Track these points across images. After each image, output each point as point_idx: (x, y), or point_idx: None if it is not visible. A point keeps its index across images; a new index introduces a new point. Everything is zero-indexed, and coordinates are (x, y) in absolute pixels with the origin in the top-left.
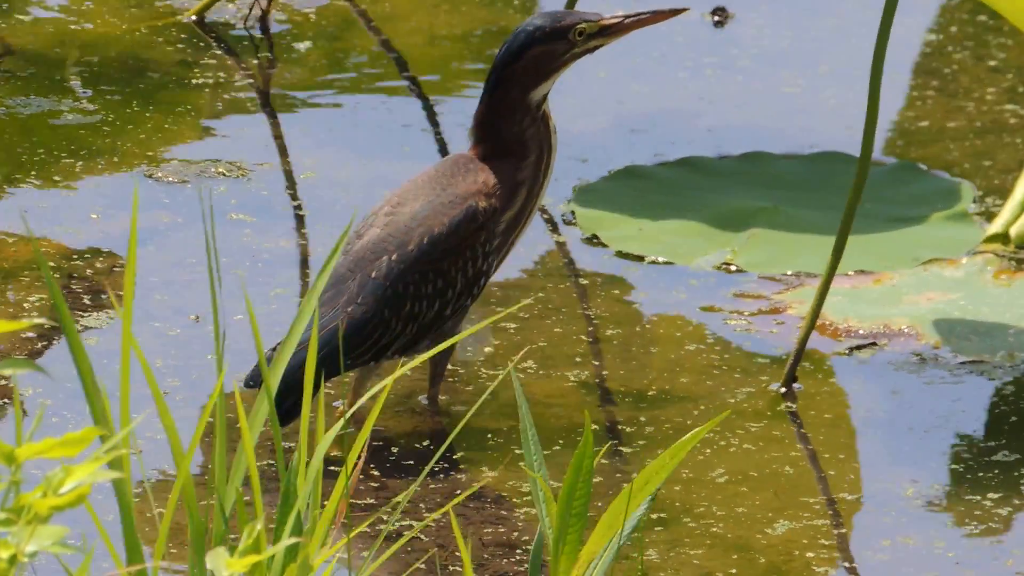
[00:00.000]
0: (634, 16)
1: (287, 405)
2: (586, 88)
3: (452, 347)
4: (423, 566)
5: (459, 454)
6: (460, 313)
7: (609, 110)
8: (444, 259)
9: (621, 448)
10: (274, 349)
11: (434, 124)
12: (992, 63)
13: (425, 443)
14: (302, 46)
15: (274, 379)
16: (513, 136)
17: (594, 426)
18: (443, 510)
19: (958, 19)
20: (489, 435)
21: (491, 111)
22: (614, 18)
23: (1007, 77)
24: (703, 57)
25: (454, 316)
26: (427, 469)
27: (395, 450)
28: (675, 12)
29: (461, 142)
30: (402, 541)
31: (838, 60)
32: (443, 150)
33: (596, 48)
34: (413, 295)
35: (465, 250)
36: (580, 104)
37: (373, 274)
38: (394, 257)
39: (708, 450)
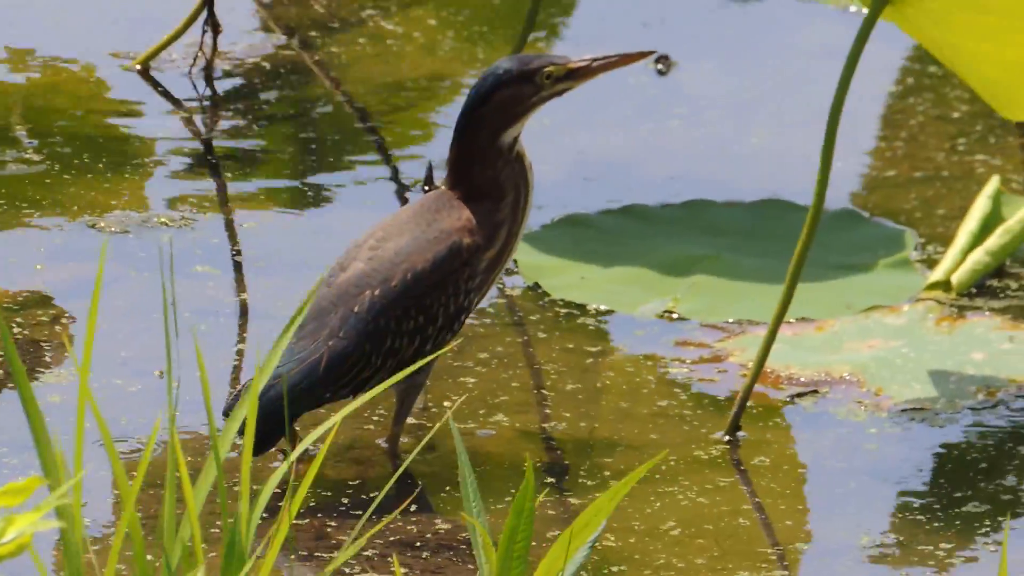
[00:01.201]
0: (602, 59)
1: (264, 434)
2: (540, 136)
3: (421, 386)
4: None
5: (414, 506)
6: (439, 348)
7: (564, 158)
8: (427, 295)
9: (568, 498)
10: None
11: (383, 175)
12: (930, 112)
13: (372, 494)
14: (245, 95)
15: (234, 423)
16: (487, 179)
17: (549, 479)
18: (360, 541)
19: (910, 69)
20: (447, 486)
21: (462, 155)
22: (582, 61)
23: (944, 126)
24: (656, 106)
25: (434, 351)
26: (365, 516)
27: (345, 500)
28: (643, 55)
29: (410, 192)
30: None
31: (792, 109)
32: (386, 202)
33: (564, 91)
34: (394, 330)
35: (448, 286)
36: (535, 152)
37: (355, 308)
38: (376, 292)
39: (659, 503)
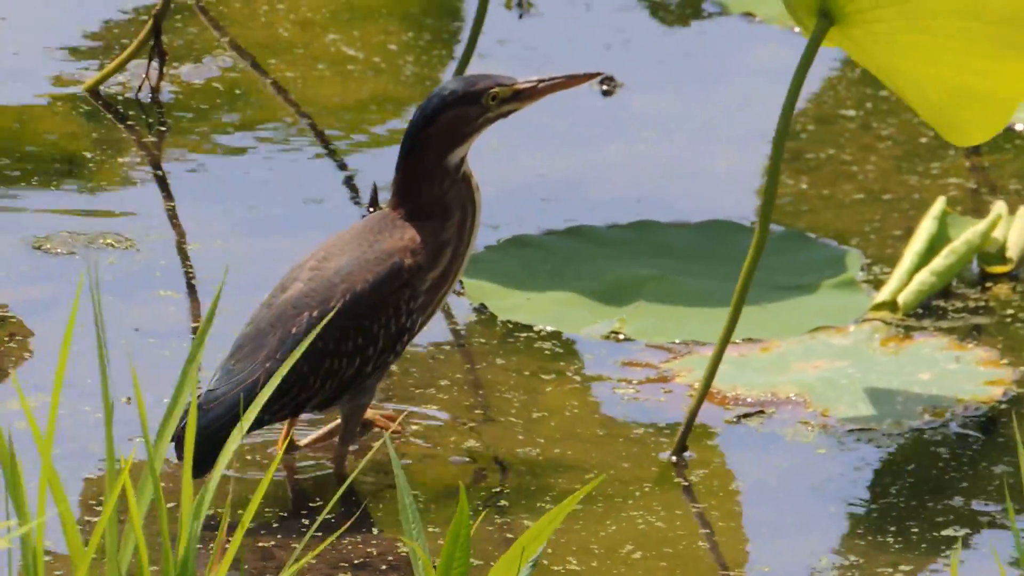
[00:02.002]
0: (548, 80)
1: (202, 456)
2: (499, 156)
3: (365, 407)
4: None
5: (375, 529)
6: (382, 370)
7: (522, 178)
8: (366, 316)
9: (523, 520)
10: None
11: (337, 195)
12: (879, 132)
13: (330, 517)
14: (192, 117)
15: (163, 442)
16: (433, 199)
17: (502, 502)
18: (301, 561)
19: (845, 91)
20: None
21: (408, 175)
22: (528, 82)
23: (893, 146)
24: (613, 127)
25: (375, 373)
26: (308, 534)
27: (306, 521)
28: (589, 76)
29: (355, 212)
30: None
31: (742, 129)
32: (341, 223)
33: (510, 112)
34: (333, 352)
35: (388, 307)
36: (493, 172)
37: (293, 330)
38: (315, 314)
39: (614, 526)
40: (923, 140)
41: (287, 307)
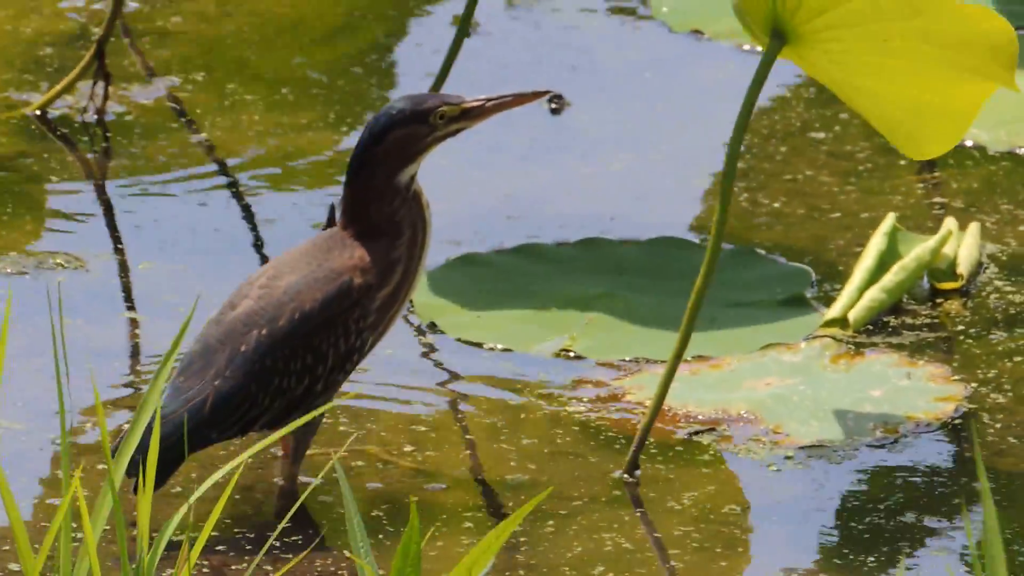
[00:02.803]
0: (496, 99)
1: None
2: (458, 173)
3: (317, 424)
4: None
5: (337, 551)
6: (332, 388)
7: (483, 196)
8: (315, 335)
9: (468, 538)
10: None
11: (294, 214)
12: (836, 148)
13: (296, 537)
14: (140, 137)
15: (122, 462)
16: (384, 217)
17: (457, 522)
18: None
19: (796, 105)
20: (369, 526)
21: (357, 194)
22: (476, 101)
23: (845, 162)
24: (564, 145)
25: (325, 391)
26: (261, 552)
27: (277, 544)
28: (537, 95)
29: (300, 234)
30: None
31: (690, 146)
32: (291, 241)
33: (459, 131)
34: (281, 370)
35: (337, 326)
36: (455, 188)
37: (242, 348)
38: (264, 332)
39: (580, 547)
40: (878, 158)
41: (236, 324)
